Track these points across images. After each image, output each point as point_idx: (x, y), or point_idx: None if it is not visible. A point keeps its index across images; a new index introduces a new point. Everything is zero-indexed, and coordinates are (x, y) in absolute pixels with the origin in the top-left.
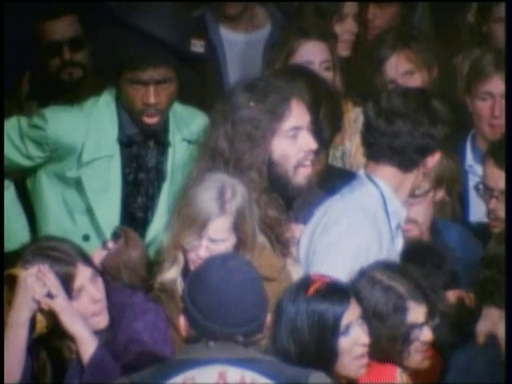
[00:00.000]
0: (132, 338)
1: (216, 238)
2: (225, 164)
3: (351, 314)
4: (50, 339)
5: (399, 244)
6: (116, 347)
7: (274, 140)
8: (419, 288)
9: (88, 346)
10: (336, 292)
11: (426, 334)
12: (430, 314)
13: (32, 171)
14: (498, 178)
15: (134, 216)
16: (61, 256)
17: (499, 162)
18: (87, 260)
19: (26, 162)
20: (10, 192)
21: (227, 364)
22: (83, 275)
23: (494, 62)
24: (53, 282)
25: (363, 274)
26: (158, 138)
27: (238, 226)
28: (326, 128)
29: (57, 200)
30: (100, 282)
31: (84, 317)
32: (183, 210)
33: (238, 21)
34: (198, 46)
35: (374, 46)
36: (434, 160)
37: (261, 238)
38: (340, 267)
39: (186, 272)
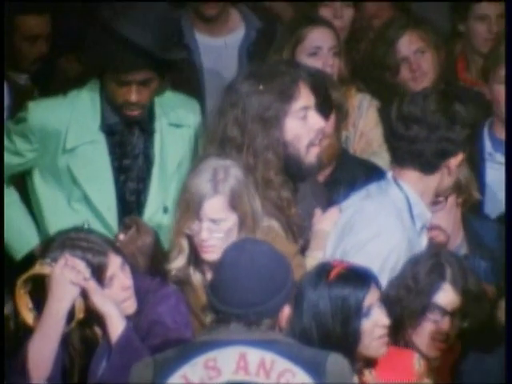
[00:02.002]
0: (155, 322)
1: (214, 218)
2: (237, 150)
3: (371, 296)
4: (85, 326)
5: (423, 243)
6: (139, 331)
7: (286, 120)
8: (465, 281)
9: (117, 327)
10: (357, 276)
11: (445, 324)
12: (462, 313)
13: (27, 173)
14: None
15: (127, 200)
16: (92, 246)
17: None
18: (116, 249)
19: (17, 160)
20: (14, 197)
21: (247, 345)
22: (114, 264)
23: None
24: (83, 267)
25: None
26: (142, 125)
27: (234, 205)
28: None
29: (53, 194)
30: (128, 269)
31: (115, 303)
32: (181, 196)
33: (214, 24)
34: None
35: (386, 26)
36: (457, 161)
37: (273, 223)
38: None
39: (197, 259)
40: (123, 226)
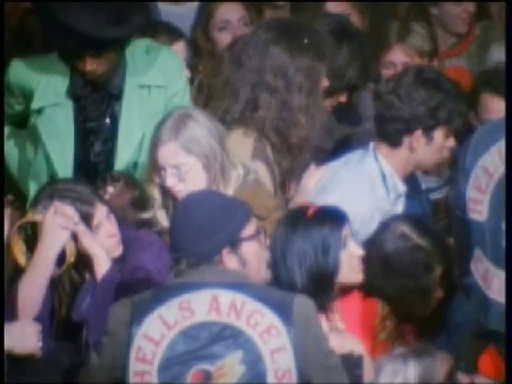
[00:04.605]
0: (138, 267)
1: (174, 164)
2: (272, 95)
3: (346, 230)
4: (74, 270)
5: (399, 211)
6: (124, 276)
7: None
8: (444, 251)
9: (103, 266)
10: (332, 213)
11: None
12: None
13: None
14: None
15: (91, 161)
16: (79, 196)
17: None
18: (102, 199)
19: (10, 110)
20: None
21: (220, 288)
22: (100, 213)
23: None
24: (72, 212)
25: (386, 226)
26: (110, 89)
27: (190, 149)
28: None
29: (24, 145)
30: (113, 218)
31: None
32: (148, 147)
33: None
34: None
35: None
36: (414, 137)
37: (260, 166)
38: None
39: None
40: (110, 179)
